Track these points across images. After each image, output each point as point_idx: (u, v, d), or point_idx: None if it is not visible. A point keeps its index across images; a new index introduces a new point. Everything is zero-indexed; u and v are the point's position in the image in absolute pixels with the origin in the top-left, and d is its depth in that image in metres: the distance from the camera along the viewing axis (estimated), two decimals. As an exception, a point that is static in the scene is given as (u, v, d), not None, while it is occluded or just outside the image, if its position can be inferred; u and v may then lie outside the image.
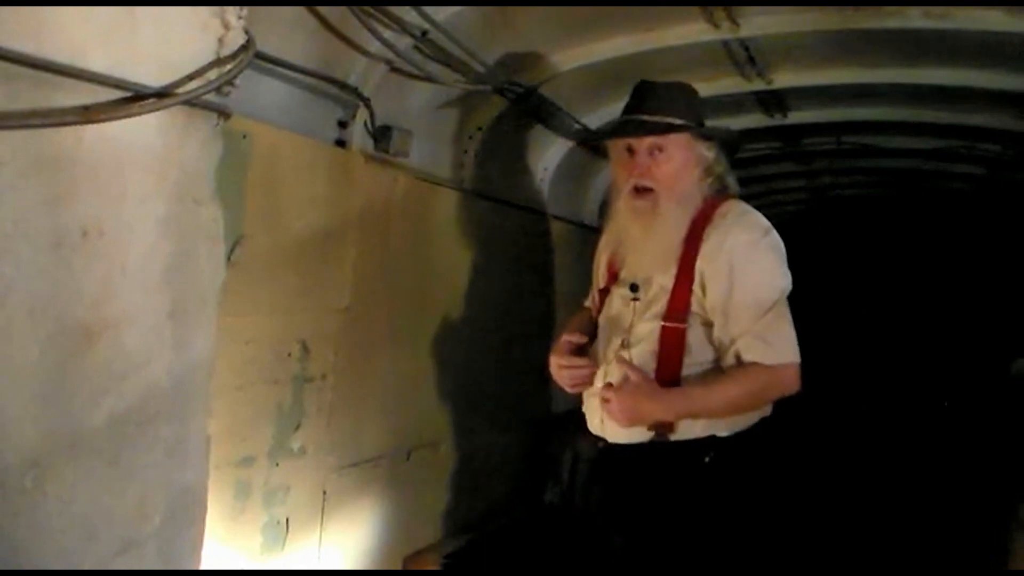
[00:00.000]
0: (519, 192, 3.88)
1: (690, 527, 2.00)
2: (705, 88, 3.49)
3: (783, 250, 2.05)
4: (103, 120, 1.38)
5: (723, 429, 1.99)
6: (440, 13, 2.55)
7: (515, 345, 3.83)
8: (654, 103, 2.08)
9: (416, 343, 3.13)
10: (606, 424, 2.08)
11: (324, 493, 2.62)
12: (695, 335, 1.99)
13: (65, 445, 1.39)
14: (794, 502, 2.24)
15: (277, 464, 2.40)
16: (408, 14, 2.47)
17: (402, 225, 2.95)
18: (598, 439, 2.14)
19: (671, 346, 1.99)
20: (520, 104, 3.38)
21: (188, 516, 1.73)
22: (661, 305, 2.01)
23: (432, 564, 3.16)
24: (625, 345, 2.05)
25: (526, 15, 2.85)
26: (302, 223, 2.43)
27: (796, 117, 4.07)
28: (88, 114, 1.34)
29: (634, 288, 2.08)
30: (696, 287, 1.98)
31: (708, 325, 1.99)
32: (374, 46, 2.51)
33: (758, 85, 3.50)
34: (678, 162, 2.04)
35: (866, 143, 4.67)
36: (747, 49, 3.15)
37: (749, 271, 1.97)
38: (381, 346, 2.89)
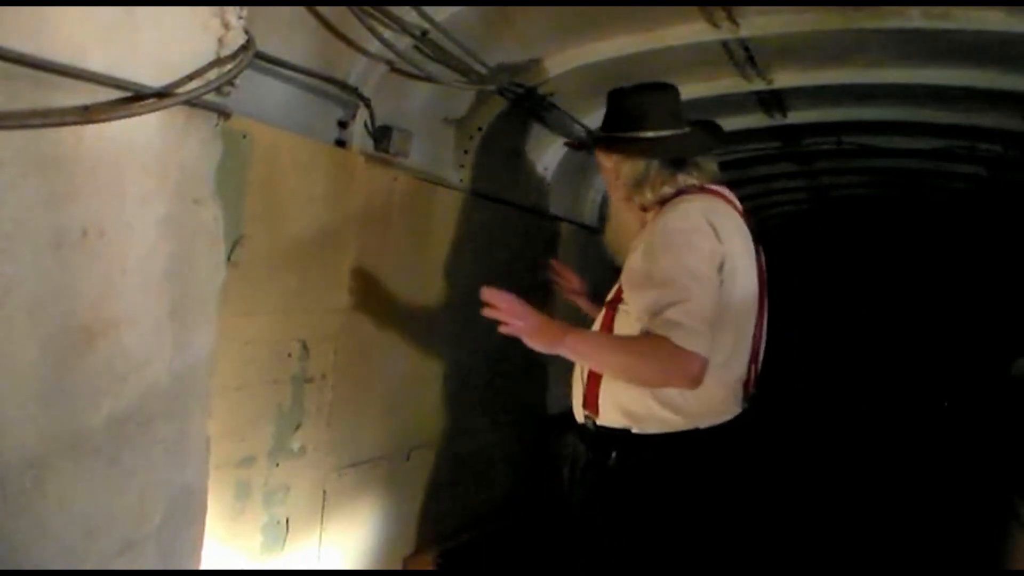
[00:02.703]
0: (519, 192, 3.88)
1: (598, 522, 2.07)
2: (705, 88, 3.52)
3: (704, 242, 1.94)
4: (103, 120, 1.38)
5: (637, 424, 2.00)
6: (440, 13, 2.55)
7: (515, 344, 3.82)
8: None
9: (416, 343, 3.13)
10: (574, 399, 2.17)
11: (324, 493, 2.62)
12: (619, 322, 2.05)
13: (65, 445, 1.39)
14: (759, 500, 2.19)
15: (277, 464, 2.40)
16: (408, 14, 2.47)
17: (402, 225, 2.95)
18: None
19: (603, 328, 2.10)
20: (520, 104, 3.38)
21: (188, 516, 1.73)
22: (612, 293, 2.12)
23: (432, 564, 3.16)
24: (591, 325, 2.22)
25: (526, 15, 2.85)
26: (302, 223, 2.43)
27: (796, 117, 4.07)
28: (88, 114, 1.35)
29: (617, 273, 2.19)
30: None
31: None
32: (374, 46, 2.51)
33: (758, 85, 3.50)
34: (606, 174, 2.22)
35: (866, 143, 4.66)
36: (747, 49, 3.14)
37: (658, 255, 1.93)
38: (381, 346, 2.89)
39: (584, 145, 2.21)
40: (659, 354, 1.85)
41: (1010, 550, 3.30)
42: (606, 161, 2.17)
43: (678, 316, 1.84)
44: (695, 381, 1.86)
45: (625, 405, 1.99)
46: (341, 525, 2.72)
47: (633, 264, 2.00)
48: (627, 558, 1.99)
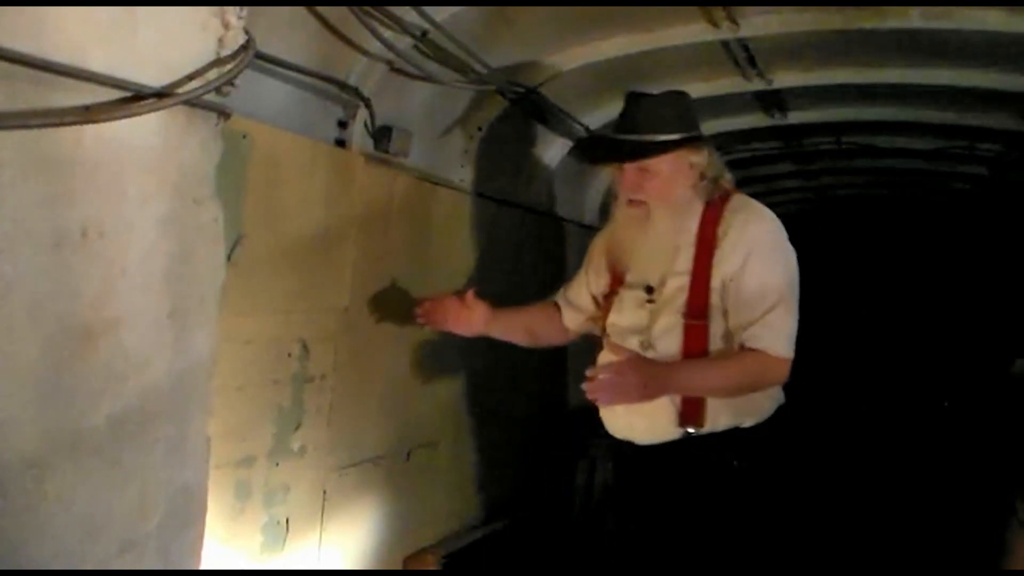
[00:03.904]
0: (519, 192, 3.88)
1: (721, 526, 2.07)
2: (705, 88, 3.51)
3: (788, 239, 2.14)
4: (103, 120, 1.38)
5: (748, 419, 2.07)
6: (440, 13, 2.55)
7: (514, 344, 3.82)
8: (639, 121, 2.13)
9: (416, 343, 3.13)
10: (634, 427, 2.14)
11: (324, 493, 2.62)
12: (717, 330, 2.06)
13: (65, 445, 1.39)
14: (796, 501, 2.32)
15: (277, 464, 2.40)
16: (408, 14, 2.47)
17: (402, 225, 2.95)
18: (624, 443, 2.19)
19: (695, 342, 2.05)
20: (520, 104, 3.38)
21: (188, 516, 1.73)
22: (680, 303, 2.07)
23: (432, 564, 3.16)
24: (646, 346, 2.11)
25: (526, 15, 2.85)
26: (302, 223, 2.43)
27: (796, 117, 4.08)
28: (88, 114, 1.34)
29: (649, 290, 2.13)
30: (716, 283, 2.05)
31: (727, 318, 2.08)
32: (374, 46, 2.51)
33: (758, 85, 3.50)
34: (666, 175, 2.11)
35: (866, 143, 4.67)
36: (747, 49, 3.14)
37: (765, 262, 2.04)
38: (381, 346, 2.89)
39: (671, 143, 2.11)
40: (760, 368, 2.01)
41: (1010, 550, 3.30)
42: (694, 156, 2.13)
43: (775, 320, 2.00)
44: (786, 380, 2.10)
45: (738, 406, 2.07)
46: (341, 525, 2.72)
47: (744, 272, 2.03)
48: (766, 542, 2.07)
